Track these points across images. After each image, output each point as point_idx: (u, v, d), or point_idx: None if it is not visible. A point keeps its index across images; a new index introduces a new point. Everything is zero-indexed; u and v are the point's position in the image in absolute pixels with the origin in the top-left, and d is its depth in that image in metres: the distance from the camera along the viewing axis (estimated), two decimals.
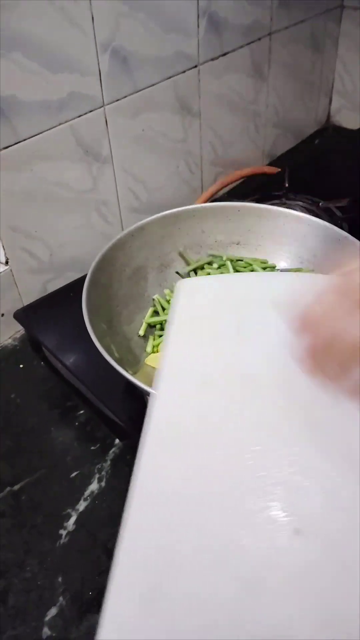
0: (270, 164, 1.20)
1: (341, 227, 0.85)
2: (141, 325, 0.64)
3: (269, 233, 0.68)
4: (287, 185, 0.91)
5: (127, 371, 0.50)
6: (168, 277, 0.68)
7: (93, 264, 0.58)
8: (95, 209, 0.86)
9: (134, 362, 0.60)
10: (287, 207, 0.89)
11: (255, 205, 0.68)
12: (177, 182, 0.99)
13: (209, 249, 0.69)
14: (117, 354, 0.56)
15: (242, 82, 1.02)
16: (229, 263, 0.64)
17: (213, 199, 1.00)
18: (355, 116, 1.28)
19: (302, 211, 0.88)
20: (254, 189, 1.02)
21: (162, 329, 0.64)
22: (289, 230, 0.67)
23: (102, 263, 0.60)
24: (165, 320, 0.63)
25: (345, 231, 0.84)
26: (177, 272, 0.68)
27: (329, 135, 1.31)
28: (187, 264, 0.68)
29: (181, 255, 0.68)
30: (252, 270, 0.63)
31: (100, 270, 0.60)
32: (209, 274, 0.65)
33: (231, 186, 1.07)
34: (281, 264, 0.68)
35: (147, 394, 0.50)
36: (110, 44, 0.74)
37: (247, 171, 1.03)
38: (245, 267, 0.65)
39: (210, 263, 0.67)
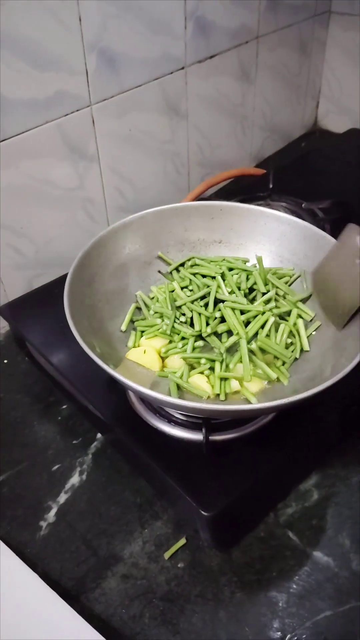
0: (257, 166, 1.21)
1: (323, 228, 0.87)
2: (123, 321, 0.65)
3: (250, 232, 0.70)
4: (271, 186, 0.92)
5: (108, 366, 0.51)
6: (150, 274, 0.69)
7: (75, 261, 0.59)
8: (82, 207, 0.87)
9: (116, 357, 0.61)
10: (271, 208, 0.90)
11: (237, 205, 0.69)
12: (164, 182, 1.01)
13: (192, 247, 0.70)
14: (99, 349, 0.57)
15: (230, 84, 1.03)
16: (208, 263, 0.65)
17: (199, 199, 1.01)
18: (341, 120, 1.29)
19: (286, 212, 0.89)
20: (240, 189, 1.03)
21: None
22: (270, 230, 0.69)
23: (84, 260, 0.61)
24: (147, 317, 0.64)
25: (327, 231, 0.86)
26: (159, 271, 0.69)
27: (316, 138, 1.33)
28: (168, 264, 0.69)
29: (161, 257, 0.69)
30: (231, 269, 0.64)
31: (83, 267, 0.60)
32: (193, 273, 0.66)
33: (218, 187, 1.09)
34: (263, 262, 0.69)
35: (128, 388, 0.51)
36: (97, 44, 0.75)
37: (233, 172, 1.05)
38: (223, 264, 0.66)
39: (190, 259, 0.69)
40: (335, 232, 0.87)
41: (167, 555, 0.60)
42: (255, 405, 0.49)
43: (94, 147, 0.83)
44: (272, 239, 0.69)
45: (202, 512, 0.53)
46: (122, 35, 0.78)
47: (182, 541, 0.60)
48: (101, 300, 0.63)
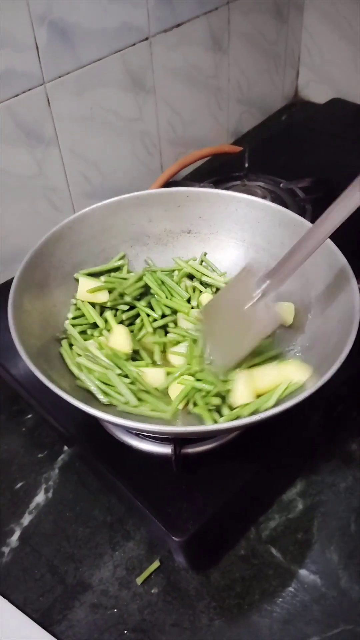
0: (235, 142, 1.14)
1: (304, 209, 0.81)
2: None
3: (221, 220, 0.63)
4: (246, 165, 0.86)
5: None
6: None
7: (23, 263, 0.53)
8: (43, 196, 0.80)
9: None
10: (247, 189, 0.84)
11: (205, 190, 0.62)
12: (134, 164, 0.94)
13: (158, 239, 0.64)
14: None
15: (200, 55, 0.95)
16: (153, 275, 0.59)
17: (172, 180, 0.94)
18: (323, 89, 1.22)
19: (263, 192, 0.83)
20: (216, 169, 0.97)
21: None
22: (242, 216, 0.62)
23: (35, 260, 0.55)
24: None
25: (308, 212, 0.80)
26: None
27: (297, 110, 1.25)
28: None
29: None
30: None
31: (34, 268, 0.54)
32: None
33: (192, 167, 1.02)
34: (235, 252, 0.63)
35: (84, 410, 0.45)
36: (47, 17, 0.68)
37: (206, 151, 0.98)
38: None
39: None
40: (316, 213, 0.81)
41: (139, 580, 0.55)
42: (223, 424, 0.44)
43: (51, 130, 0.76)
44: (245, 226, 0.63)
45: (174, 538, 0.48)
46: (74, 5, 0.70)
47: (156, 564, 0.56)
48: (56, 305, 0.57)
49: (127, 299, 0.59)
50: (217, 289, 0.62)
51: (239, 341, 0.52)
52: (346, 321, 0.49)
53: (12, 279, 0.75)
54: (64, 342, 0.55)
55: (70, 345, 0.55)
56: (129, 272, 0.63)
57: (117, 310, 0.60)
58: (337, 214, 0.48)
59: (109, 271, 0.62)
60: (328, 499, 0.60)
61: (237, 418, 0.47)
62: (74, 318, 0.58)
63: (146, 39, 0.83)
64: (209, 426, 0.47)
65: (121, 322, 0.59)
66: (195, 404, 0.51)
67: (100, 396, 0.50)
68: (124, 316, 0.59)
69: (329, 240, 0.56)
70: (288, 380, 0.49)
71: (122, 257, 0.63)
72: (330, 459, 0.62)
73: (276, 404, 0.48)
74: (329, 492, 0.60)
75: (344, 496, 0.60)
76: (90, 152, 0.84)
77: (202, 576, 0.55)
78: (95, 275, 0.61)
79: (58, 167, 0.80)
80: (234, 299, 0.54)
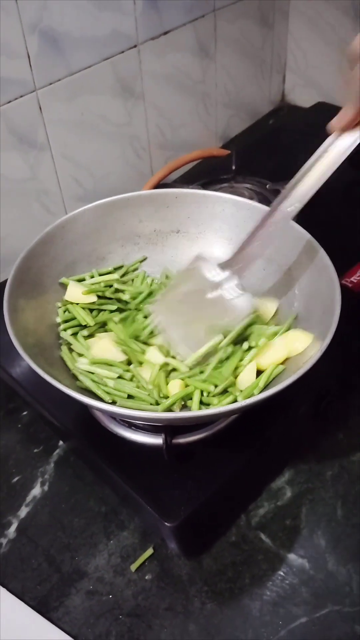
0: (224, 146, 1.17)
1: None
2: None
3: (208, 220, 0.65)
4: (234, 167, 0.88)
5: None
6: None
7: (17, 261, 0.55)
8: (36, 199, 0.82)
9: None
10: (234, 190, 0.86)
11: (193, 191, 0.65)
12: (124, 168, 0.96)
13: (148, 239, 0.66)
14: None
15: (188, 61, 0.98)
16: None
17: (163, 183, 0.97)
18: (308, 93, 1.24)
19: (250, 194, 0.85)
20: (205, 172, 0.99)
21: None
22: (229, 216, 0.65)
23: (29, 259, 0.57)
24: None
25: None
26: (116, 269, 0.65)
27: (284, 114, 1.28)
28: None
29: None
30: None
31: (27, 268, 0.56)
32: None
33: (183, 170, 1.04)
34: (222, 251, 0.66)
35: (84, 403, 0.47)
36: (37, 25, 0.70)
37: (195, 155, 1.00)
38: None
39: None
40: (302, 214, 0.83)
41: (133, 567, 0.57)
42: (210, 410, 0.46)
43: (43, 135, 0.78)
44: (231, 226, 0.65)
45: (165, 523, 0.50)
46: (64, 13, 0.72)
47: (150, 551, 0.58)
48: (50, 302, 0.59)
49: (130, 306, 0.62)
50: None
51: (207, 329, 0.54)
52: (328, 315, 0.52)
53: (7, 280, 0.78)
54: (64, 347, 0.57)
55: (71, 350, 0.57)
56: (144, 280, 0.65)
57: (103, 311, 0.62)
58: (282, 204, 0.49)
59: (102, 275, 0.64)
60: (315, 487, 0.62)
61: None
62: (65, 321, 0.59)
63: (135, 46, 0.86)
64: (199, 412, 0.49)
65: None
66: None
67: (103, 395, 0.52)
68: (116, 319, 0.60)
69: (313, 240, 0.59)
70: (293, 349, 0.52)
71: (121, 267, 0.66)
72: (317, 448, 0.65)
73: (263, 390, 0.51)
74: (316, 480, 0.62)
75: (330, 484, 0.62)
76: (81, 157, 0.86)
77: (194, 562, 0.57)
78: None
79: (50, 171, 0.82)
80: (192, 290, 0.55)
